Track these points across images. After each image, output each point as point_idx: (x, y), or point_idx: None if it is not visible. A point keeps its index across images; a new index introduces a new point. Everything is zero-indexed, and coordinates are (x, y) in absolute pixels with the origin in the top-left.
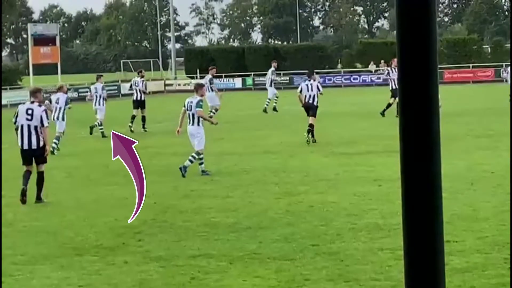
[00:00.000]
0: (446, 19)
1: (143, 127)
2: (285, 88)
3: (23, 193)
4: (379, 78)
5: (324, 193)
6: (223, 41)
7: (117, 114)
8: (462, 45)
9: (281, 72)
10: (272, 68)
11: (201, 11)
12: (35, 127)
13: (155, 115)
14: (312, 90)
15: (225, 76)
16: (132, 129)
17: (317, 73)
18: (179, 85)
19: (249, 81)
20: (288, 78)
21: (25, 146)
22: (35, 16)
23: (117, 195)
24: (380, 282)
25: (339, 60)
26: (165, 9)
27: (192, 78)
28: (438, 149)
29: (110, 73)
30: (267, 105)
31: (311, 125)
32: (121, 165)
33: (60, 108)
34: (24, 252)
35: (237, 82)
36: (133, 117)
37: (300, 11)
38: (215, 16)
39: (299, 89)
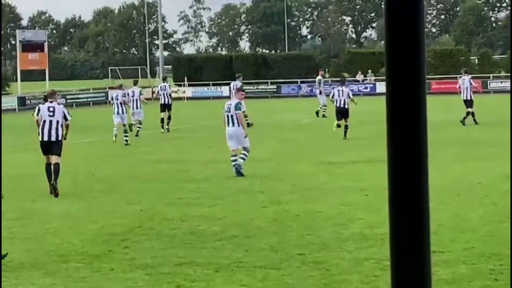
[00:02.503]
0: (434, 30)
1: (167, 127)
2: (272, 96)
3: (54, 188)
4: (366, 87)
5: (311, 202)
6: (211, 49)
7: (106, 121)
8: (449, 56)
9: (268, 81)
10: (319, 77)
11: (189, 19)
12: (57, 122)
13: (143, 123)
14: (342, 96)
15: (213, 84)
16: (162, 130)
17: (304, 82)
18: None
19: None
20: (275, 87)
21: (45, 138)
22: (24, 22)
23: (104, 202)
24: None
25: (326, 69)
26: (153, 17)
27: (179, 85)
28: (426, 159)
29: (97, 80)
30: (323, 110)
31: (346, 126)
32: (107, 172)
33: (133, 100)
34: (11, 258)
35: (225, 90)
36: (162, 120)
37: (288, 20)
38: (203, 24)
39: (331, 94)
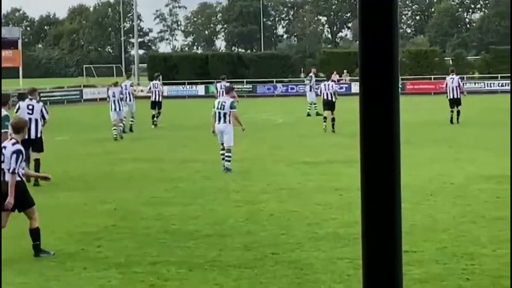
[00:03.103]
0: (408, 30)
1: (156, 123)
2: (248, 96)
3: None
4: (341, 87)
5: (285, 202)
6: (186, 48)
7: (81, 119)
8: (424, 56)
9: (244, 80)
10: (311, 74)
11: (165, 17)
12: (36, 120)
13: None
14: (329, 89)
15: (188, 83)
16: (153, 126)
17: (279, 82)
18: (142, 91)
19: (212, 88)
20: (251, 86)
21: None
22: None
23: (77, 201)
24: None
25: (302, 69)
26: (129, 15)
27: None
28: (398, 159)
29: (72, 78)
30: (314, 108)
31: (332, 119)
32: (81, 171)
33: (126, 93)
34: None
35: (200, 89)
36: (153, 116)
37: (264, 19)
38: (179, 23)
39: (319, 88)
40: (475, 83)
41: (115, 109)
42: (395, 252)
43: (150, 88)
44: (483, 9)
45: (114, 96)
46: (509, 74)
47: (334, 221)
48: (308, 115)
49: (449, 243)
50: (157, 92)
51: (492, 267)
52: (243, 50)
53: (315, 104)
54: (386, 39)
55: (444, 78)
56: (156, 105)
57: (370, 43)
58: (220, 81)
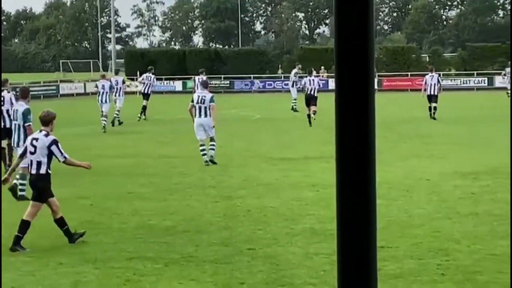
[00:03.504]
0: (385, 27)
1: (144, 115)
2: (225, 92)
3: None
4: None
5: (262, 198)
6: (164, 44)
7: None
8: (401, 53)
9: (222, 76)
10: (295, 70)
11: (142, 13)
12: (7, 111)
13: (96, 117)
14: (313, 84)
15: (166, 79)
16: (144, 117)
17: (257, 78)
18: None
19: (189, 84)
20: (228, 82)
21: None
22: None
23: (56, 195)
24: (316, 286)
25: (279, 65)
26: (106, 10)
27: (132, 80)
28: (374, 155)
29: (49, 73)
30: (294, 104)
31: (314, 112)
32: (58, 166)
33: (117, 88)
34: None
35: (178, 85)
36: (143, 108)
37: (242, 15)
38: (156, 18)
39: (303, 82)
40: (451, 80)
41: (103, 101)
42: (370, 248)
43: (142, 79)
44: (459, 6)
45: (103, 89)
46: (485, 72)
47: (311, 216)
48: (294, 110)
49: (424, 238)
50: (149, 85)
51: (467, 263)
52: (220, 46)
53: (295, 99)
54: (362, 35)
55: (421, 75)
56: (144, 97)
57: (346, 40)
58: (199, 75)
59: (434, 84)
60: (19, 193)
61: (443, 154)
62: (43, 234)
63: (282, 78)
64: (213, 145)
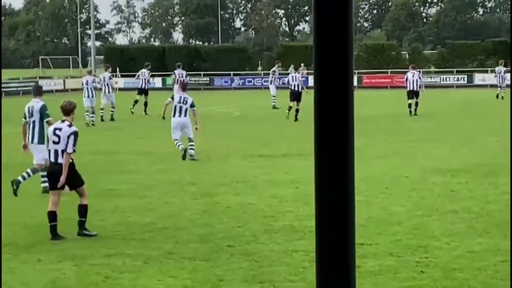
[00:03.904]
0: (366, 24)
1: (145, 111)
2: (205, 89)
3: None
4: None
5: (241, 195)
6: (144, 40)
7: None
8: (381, 50)
9: (201, 73)
10: (274, 68)
11: (122, 9)
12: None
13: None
14: (296, 80)
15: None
16: (132, 111)
17: (237, 74)
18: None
19: (169, 81)
20: (208, 79)
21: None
22: None
23: (34, 192)
24: (295, 283)
25: (259, 62)
26: (85, 6)
27: (111, 76)
28: (352, 152)
29: (28, 69)
30: (273, 102)
31: (297, 110)
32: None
33: (105, 84)
34: None
35: (157, 82)
36: (136, 101)
37: (222, 12)
38: (136, 14)
39: (286, 80)
40: (431, 77)
41: (87, 96)
42: (348, 245)
43: (138, 76)
44: (439, 4)
45: (87, 84)
46: (465, 69)
47: (290, 213)
48: (273, 107)
49: (403, 236)
50: (144, 80)
51: (446, 260)
52: (200, 43)
53: (274, 96)
54: (341, 33)
55: (401, 72)
56: (143, 92)
57: (325, 37)
58: (176, 69)
59: (416, 81)
60: (42, 185)
61: (423, 151)
62: (21, 231)
63: (262, 75)
64: (192, 145)
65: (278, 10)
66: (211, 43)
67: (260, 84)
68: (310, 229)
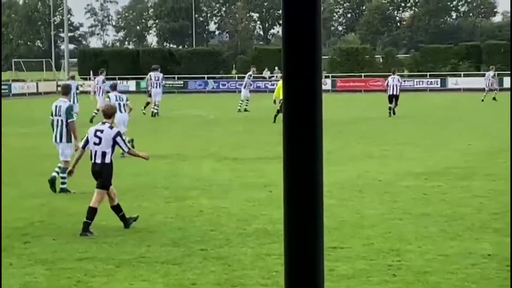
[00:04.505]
0: (340, 28)
1: (143, 110)
2: (179, 92)
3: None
4: (273, 84)
5: (214, 198)
6: (117, 43)
7: (10, 114)
8: (355, 54)
9: (175, 76)
10: (250, 72)
11: (96, 12)
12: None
13: (47, 116)
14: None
15: (119, 79)
16: (144, 112)
17: (211, 78)
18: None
19: (143, 84)
20: (182, 82)
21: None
22: None
23: (5, 195)
24: (267, 287)
25: (233, 65)
26: (59, 9)
27: (85, 79)
28: (320, 155)
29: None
30: (245, 105)
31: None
32: (10, 165)
33: (98, 88)
34: None
35: (131, 85)
36: (147, 104)
37: (196, 15)
38: (110, 17)
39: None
40: (404, 81)
41: (99, 95)
42: (316, 248)
43: (150, 79)
44: (413, 8)
45: (97, 83)
46: (438, 73)
47: (263, 217)
48: (245, 110)
49: (376, 239)
50: (155, 83)
51: (418, 263)
52: (174, 46)
53: (248, 100)
54: (309, 36)
55: (375, 76)
56: (151, 94)
57: (294, 41)
58: (152, 71)
59: (396, 85)
60: (61, 186)
61: (396, 154)
62: None
63: (236, 78)
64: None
65: (253, 14)
66: (185, 46)
67: (234, 87)
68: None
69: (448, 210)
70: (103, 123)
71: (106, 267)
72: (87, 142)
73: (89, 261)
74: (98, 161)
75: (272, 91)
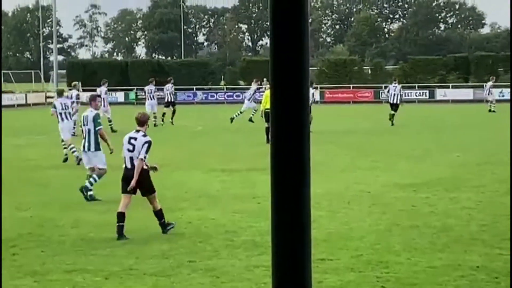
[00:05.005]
0: (328, 39)
1: (172, 121)
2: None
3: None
4: (261, 95)
5: (203, 210)
6: (106, 55)
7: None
8: (343, 65)
9: (164, 87)
10: (254, 87)
11: (85, 23)
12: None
13: (36, 128)
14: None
15: (108, 90)
16: (162, 123)
17: (199, 89)
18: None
19: (131, 95)
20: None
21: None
22: None
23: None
24: None
25: (222, 76)
26: (48, 21)
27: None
28: (308, 167)
29: None
30: (236, 115)
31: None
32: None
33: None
34: None
35: (120, 96)
36: (164, 114)
37: (185, 27)
38: (99, 29)
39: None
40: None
41: (103, 106)
42: (304, 260)
43: (164, 91)
44: (401, 20)
45: (100, 94)
46: (427, 84)
47: (252, 229)
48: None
49: (364, 251)
50: (169, 93)
51: (406, 275)
52: (163, 57)
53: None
54: (297, 47)
55: (363, 87)
56: (169, 104)
57: (282, 52)
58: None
59: (397, 94)
60: (89, 193)
61: (384, 166)
62: None
63: (225, 90)
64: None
65: (241, 25)
66: (174, 57)
67: (223, 98)
68: None
69: (436, 222)
70: (137, 131)
71: (94, 279)
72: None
73: (77, 273)
74: (130, 166)
75: (260, 102)
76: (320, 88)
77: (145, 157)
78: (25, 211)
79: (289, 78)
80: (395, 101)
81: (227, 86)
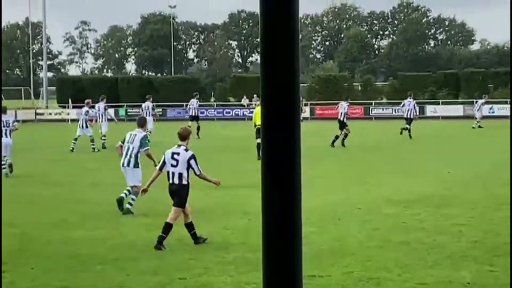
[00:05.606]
0: (318, 56)
1: (198, 135)
2: (158, 120)
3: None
4: (251, 112)
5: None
6: (96, 71)
7: None
8: (333, 82)
9: (154, 104)
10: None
11: (75, 40)
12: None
13: (26, 144)
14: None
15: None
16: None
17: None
18: (50, 114)
19: (121, 111)
20: (161, 110)
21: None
22: None
23: None
24: None
25: (212, 93)
26: (38, 37)
27: (64, 107)
28: (299, 183)
29: None
30: None
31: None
32: None
33: (99, 114)
34: None
35: (110, 113)
36: (189, 127)
37: (175, 43)
38: (89, 45)
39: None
40: (382, 109)
41: (81, 126)
42: (295, 277)
43: (188, 106)
44: (391, 36)
45: (99, 110)
46: (417, 101)
47: (243, 245)
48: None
49: (355, 267)
50: (194, 109)
51: None
52: (153, 74)
53: None
54: (287, 64)
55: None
56: (194, 118)
57: (272, 69)
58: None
59: (412, 109)
60: (127, 206)
61: (375, 182)
62: None
63: (215, 106)
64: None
65: (231, 41)
66: (164, 74)
67: (213, 115)
68: None
69: (427, 238)
70: (179, 145)
71: None
72: (163, 164)
73: None
74: (176, 182)
75: (251, 118)
76: (310, 104)
77: (200, 171)
78: (15, 227)
79: (279, 94)
80: (409, 116)
81: (217, 103)
